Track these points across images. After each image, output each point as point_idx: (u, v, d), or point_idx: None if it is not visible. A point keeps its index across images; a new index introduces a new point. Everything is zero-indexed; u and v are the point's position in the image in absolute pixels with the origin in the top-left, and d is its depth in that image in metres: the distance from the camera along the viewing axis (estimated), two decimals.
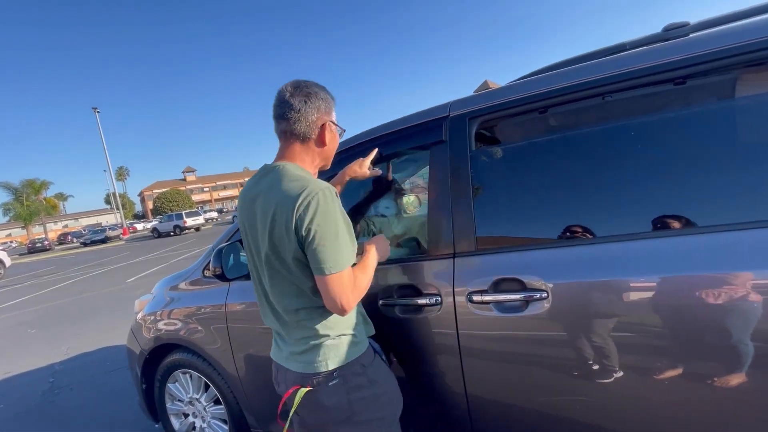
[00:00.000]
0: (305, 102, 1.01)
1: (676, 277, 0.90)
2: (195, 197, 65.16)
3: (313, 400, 0.99)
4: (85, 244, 28.85)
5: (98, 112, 27.30)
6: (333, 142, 1.10)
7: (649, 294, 0.93)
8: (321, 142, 1.06)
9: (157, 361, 2.02)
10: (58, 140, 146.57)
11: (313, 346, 1.00)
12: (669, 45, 1.03)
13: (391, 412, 1.06)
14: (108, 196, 69.11)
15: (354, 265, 1.00)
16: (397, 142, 1.39)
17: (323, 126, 1.05)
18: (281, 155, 1.06)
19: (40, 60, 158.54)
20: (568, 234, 1.06)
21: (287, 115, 1.01)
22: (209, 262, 1.71)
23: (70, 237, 40.15)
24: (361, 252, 1.09)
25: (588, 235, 1.03)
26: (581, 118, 1.17)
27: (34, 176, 44.59)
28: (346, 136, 1.25)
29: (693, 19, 1.19)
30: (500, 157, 1.22)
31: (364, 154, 1.37)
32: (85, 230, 40.00)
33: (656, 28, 1.22)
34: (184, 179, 72.56)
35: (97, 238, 28.73)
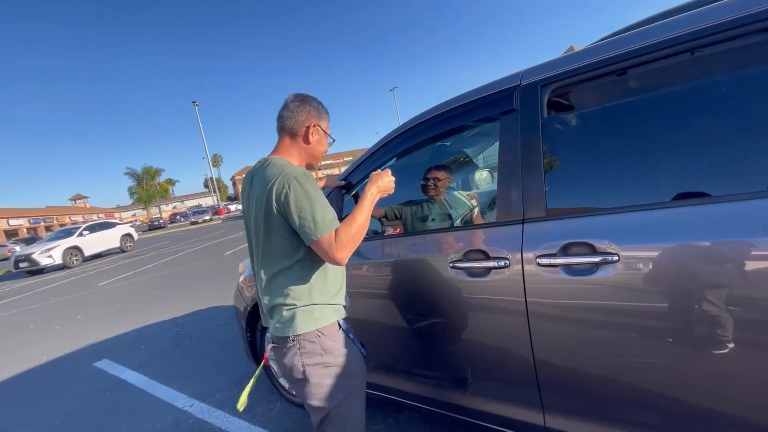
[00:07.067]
0: (298, 105, 1.23)
1: (754, 242, 0.85)
2: None
3: (278, 356, 1.21)
4: (192, 223, 33.38)
5: (197, 105, 30.72)
6: (319, 145, 1.28)
7: (727, 260, 0.89)
8: (306, 140, 1.24)
9: (258, 315, 2.37)
10: (167, 132, 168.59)
11: (282, 312, 1.17)
12: None
13: (343, 383, 1.18)
14: (206, 180, 78.08)
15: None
16: (467, 114, 1.45)
17: (309, 126, 1.23)
18: (275, 149, 1.27)
19: (149, 61, 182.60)
20: (641, 198, 1.04)
21: (282, 114, 1.24)
22: None
23: (178, 216, 46.48)
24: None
25: (664, 199, 1.01)
26: (664, 78, 1.11)
27: (150, 164, 51.99)
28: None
29: None
30: (572, 124, 1.22)
31: (433, 129, 1.49)
32: (189, 211, 45.93)
33: None
34: None
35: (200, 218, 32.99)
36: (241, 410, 1.26)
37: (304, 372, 1.17)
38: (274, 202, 1.11)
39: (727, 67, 1.02)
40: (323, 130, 1.28)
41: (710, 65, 1.04)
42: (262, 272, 1.22)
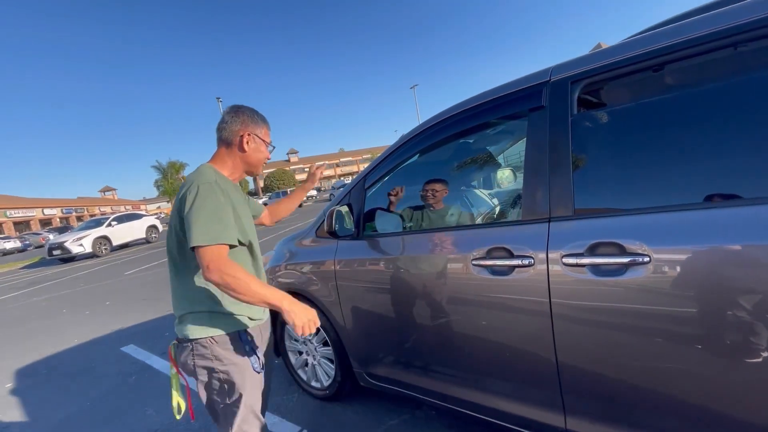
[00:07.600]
0: (232, 116, 1.28)
1: None
2: (297, 176, 71.40)
3: (176, 352, 1.26)
4: None
5: (221, 101, 31.39)
6: (257, 152, 1.31)
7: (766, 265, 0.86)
8: (241, 148, 1.28)
9: None
10: (191, 127, 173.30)
11: (180, 314, 1.22)
12: None
13: (230, 388, 1.21)
14: None
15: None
16: (493, 111, 1.43)
17: (243, 135, 1.27)
18: (211, 157, 1.31)
19: (173, 58, 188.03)
20: (674, 199, 1.01)
21: (219, 126, 1.29)
22: (322, 222, 1.99)
23: None
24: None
25: (698, 200, 0.97)
26: (699, 76, 1.07)
27: (175, 158, 53.50)
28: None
29: None
30: (603, 121, 1.19)
31: (458, 125, 1.48)
32: None
33: None
34: (288, 160, 79.73)
35: None
36: (178, 417, 1.29)
37: (194, 371, 1.22)
38: (178, 203, 1.16)
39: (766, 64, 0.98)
40: (260, 138, 1.31)
41: (750, 62, 1.00)
42: (169, 271, 1.26)
